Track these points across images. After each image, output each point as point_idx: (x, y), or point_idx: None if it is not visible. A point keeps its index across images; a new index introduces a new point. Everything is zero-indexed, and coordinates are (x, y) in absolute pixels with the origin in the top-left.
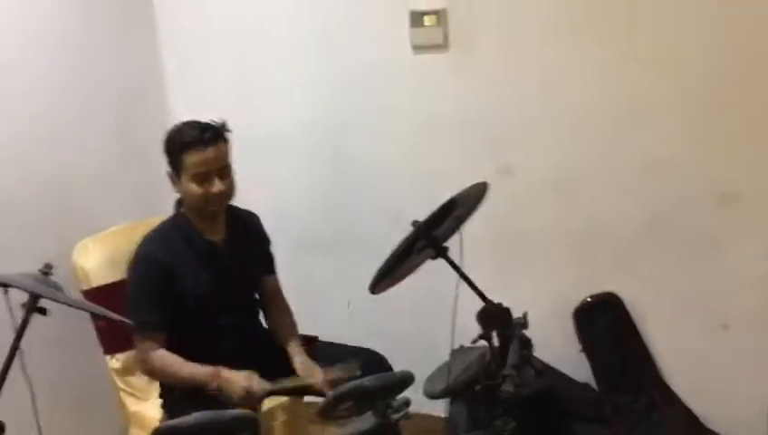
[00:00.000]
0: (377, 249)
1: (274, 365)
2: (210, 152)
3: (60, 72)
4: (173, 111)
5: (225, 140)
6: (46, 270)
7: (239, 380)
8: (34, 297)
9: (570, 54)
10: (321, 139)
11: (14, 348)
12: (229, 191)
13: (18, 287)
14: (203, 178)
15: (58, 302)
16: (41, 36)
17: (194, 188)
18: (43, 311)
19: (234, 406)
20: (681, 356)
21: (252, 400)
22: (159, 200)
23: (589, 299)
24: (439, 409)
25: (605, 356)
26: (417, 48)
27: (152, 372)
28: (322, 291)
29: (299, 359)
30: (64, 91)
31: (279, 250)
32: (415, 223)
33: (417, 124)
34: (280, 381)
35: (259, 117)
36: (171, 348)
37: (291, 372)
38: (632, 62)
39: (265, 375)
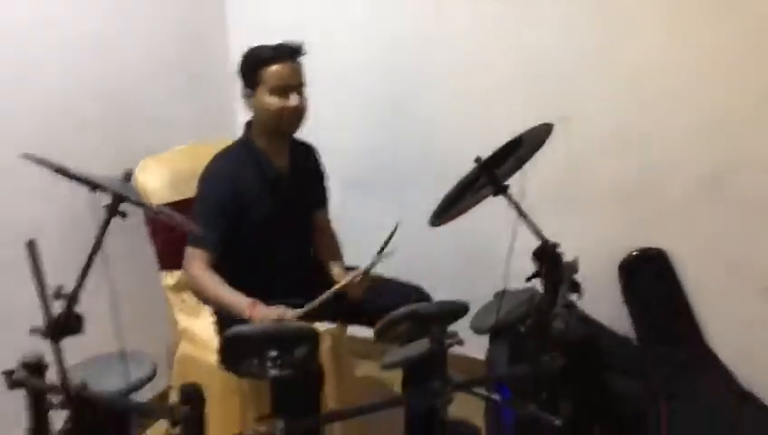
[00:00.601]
0: (429, 193)
1: (320, 294)
2: (289, 67)
3: (130, 4)
4: (233, 46)
5: (300, 61)
6: (127, 175)
7: (272, 316)
8: (118, 199)
9: (631, 4)
10: (377, 80)
11: (97, 245)
12: (303, 110)
13: (106, 188)
14: (281, 92)
15: (140, 206)
16: None
17: (272, 101)
18: (123, 214)
19: None
20: (724, 318)
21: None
22: (218, 126)
23: (635, 253)
24: (477, 350)
25: (647, 310)
26: None
27: (193, 287)
28: (370, 228)
29: (336, 270)
30: (134, 21)
31: (330, 184)
32: (477, 160)
33: (475, 71)
34: (310, 303)
35: (316, 55)
36: (224, 270)
37: (339, 300)
38: (697, 13)
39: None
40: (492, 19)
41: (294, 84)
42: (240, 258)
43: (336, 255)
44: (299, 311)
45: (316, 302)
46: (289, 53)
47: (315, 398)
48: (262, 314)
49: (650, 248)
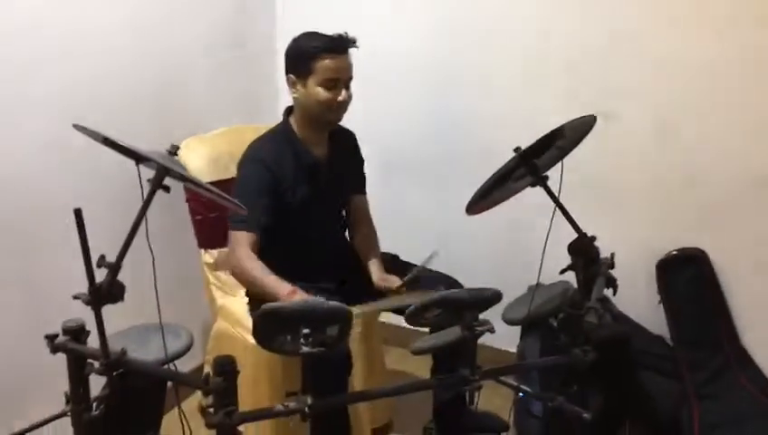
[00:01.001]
0: (468, 181)
1: (355, 279)
2: (343, 60)
3: None
4: (282, 29)
5: (351, 54)
6: (173, 150)
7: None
8: (163, 172)
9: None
10: (424, 67)
11: (140, 217)
12: (348, 103)
13: (151, 160)
14: (331, 85)
15: (184, 180)
16: None
17: (321, 93)
18: (167, 188)
19: None
20: (764, 323)
21: None
22: (261, 110)
23: (675, 252)
24: (507, 343)
25: (684, 311)
26: None
27: (233, 270)
28: (409, 214)
29: (377, 273)
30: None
31: (370, 169)
32: (517, 149)
33: (519, 60)
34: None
35: (364, 40)
36: (260, 253)
37: (370, 285)
38: (748, 13)
39: (346, 288)
40: (538, 8)
41: (345, 78)
42: (275, 241)
43: (372, 248)
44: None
45: (365, 308)
46: (344, 46)
47: (344, 379)
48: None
49: (690, 248)
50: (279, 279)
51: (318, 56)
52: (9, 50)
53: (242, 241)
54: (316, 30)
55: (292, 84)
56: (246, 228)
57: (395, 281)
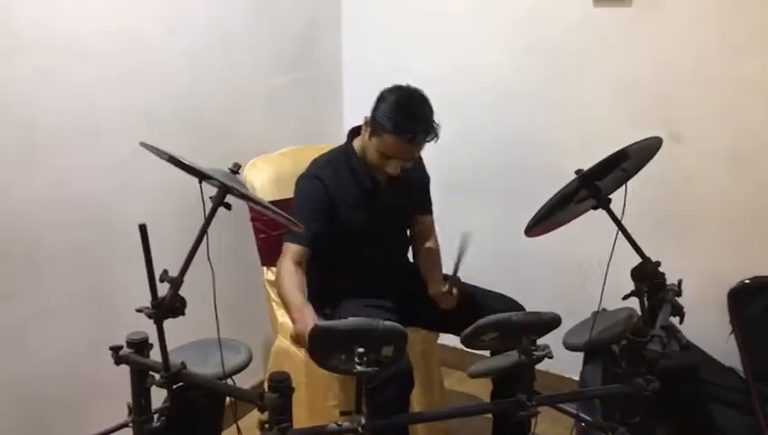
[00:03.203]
0: (529, 201)
1: (415, 299)
2: (410, 147)
3: (245, 4)
4: (345, 50)
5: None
6: (235, 169)
7: (299, 328)
8: (224, 190)
9: (756, 20)
10: (487, 86)
11: (202, 234)
12: (404, 174)
13: (213, 178)
14: (389, 157)
15: (244, 198)
16: None
17: (376, 157)
18: (228, 206)
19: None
20: None
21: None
22: (324, 131)
23: (747, 281)
24: (570, 370)
25: (757, 343)
26: (599, 0)
27: (275, 278)
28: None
29: (434, 286)
30: (254, 20)
31: (435, 190)
32: (578, 171)
33: (589, 80)
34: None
35: (427, 63)
36: (315, 268)
37: (429, 306)
38: None
39: (406, 308)
40: (607, 27)
41: (403, 159)
42: (334, 259)
43: (433, 262)
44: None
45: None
46: (421, 139)
47: (405, 396)
48: (300, 323)
49: (764, 277)
50: (299, 295)
51: (388, 132)
52: (77, 76)
53: (288, 252)
54: (405, 97)
55: (365, 124)
56: (295, 241)
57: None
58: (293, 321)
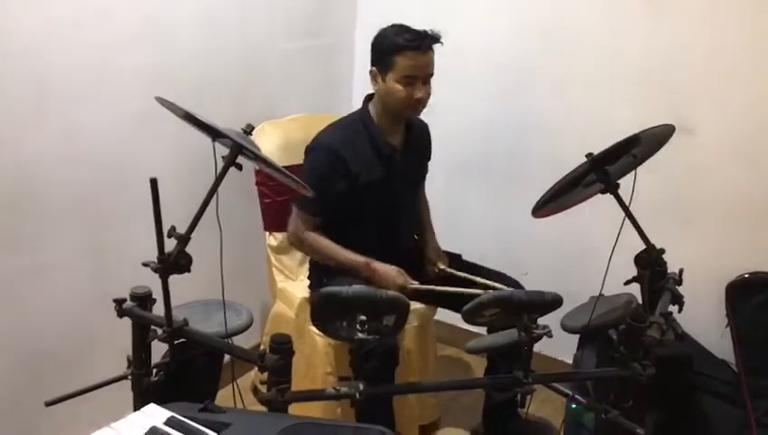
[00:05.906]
0: (533, 184)
1: (419, 264)
2: (424, 58)
3: None
4: (361, 19)
5: (433, 49)
6: (248, 130)
7: (392, 274)
8: (237, 150)
9: None
10: (495, 67)
11: (212, 192)
12: (427, 100)
13: (227, 136)
14: (410, 82)
15: (257, 159)
16: None
17: (399, 89)
18: (239, 166)
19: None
20: None
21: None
22: (334, 99)
23: (746, 275)
24: (563, 352)
25: (752, 337)
26: None
27: (303, 246)
28: (472, 213)
29: (432, 245)
30: None
31: (435, 167)
32: (589, 155)
33: (598, 64)
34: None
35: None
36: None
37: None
38: None
39: (412, 273)
40: (619, 13)
41: (424, 75)
42: (346, 222)
43: (426, 221)
44: (416, 285)
45: (440, 289)
46: (426, 42)
47: (390, 371)
48: (378, 272)
49: (763, 273)
50: (351, 253)
51: (400, 53)
52: (91, 32)
53: (305, 222)
54: (400, 23)
55: (373, 77)
56: (309, 211)
57: (444, 260)
58: (372, 275)
